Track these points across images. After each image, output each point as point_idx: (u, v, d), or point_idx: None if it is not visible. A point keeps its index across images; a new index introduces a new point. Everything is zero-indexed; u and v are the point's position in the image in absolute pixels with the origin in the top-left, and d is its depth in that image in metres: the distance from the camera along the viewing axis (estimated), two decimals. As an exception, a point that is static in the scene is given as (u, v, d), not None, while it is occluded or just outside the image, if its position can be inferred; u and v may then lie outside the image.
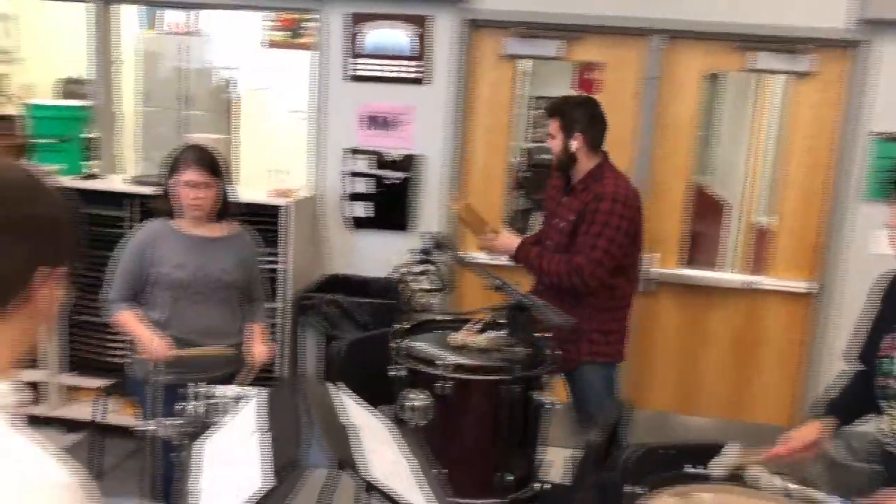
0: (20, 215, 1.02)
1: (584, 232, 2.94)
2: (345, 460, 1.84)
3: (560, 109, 3.05)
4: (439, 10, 3.88)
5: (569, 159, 3.03)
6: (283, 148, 5.86)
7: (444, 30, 3.90)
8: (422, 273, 2.41)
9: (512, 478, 2.57)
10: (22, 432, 0.96)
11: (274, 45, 6.34)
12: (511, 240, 3.15)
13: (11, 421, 0.97)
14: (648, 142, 3.91)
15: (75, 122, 4.13)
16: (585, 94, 3.28)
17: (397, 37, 3.95)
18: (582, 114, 3.02)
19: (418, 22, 3.91)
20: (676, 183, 3.98)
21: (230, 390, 2.39)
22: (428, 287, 2.43)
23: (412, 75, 3.96)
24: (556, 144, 3.05)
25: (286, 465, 1.74)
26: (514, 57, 3.97)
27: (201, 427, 2.27)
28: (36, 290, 1.04)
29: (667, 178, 3.96)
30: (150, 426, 2.32)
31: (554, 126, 3.04)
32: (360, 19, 3.94)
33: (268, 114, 6.28)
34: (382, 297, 3.80)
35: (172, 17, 6.26)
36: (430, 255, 2.54)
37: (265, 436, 1.82)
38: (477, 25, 3.92)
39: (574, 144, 3.01)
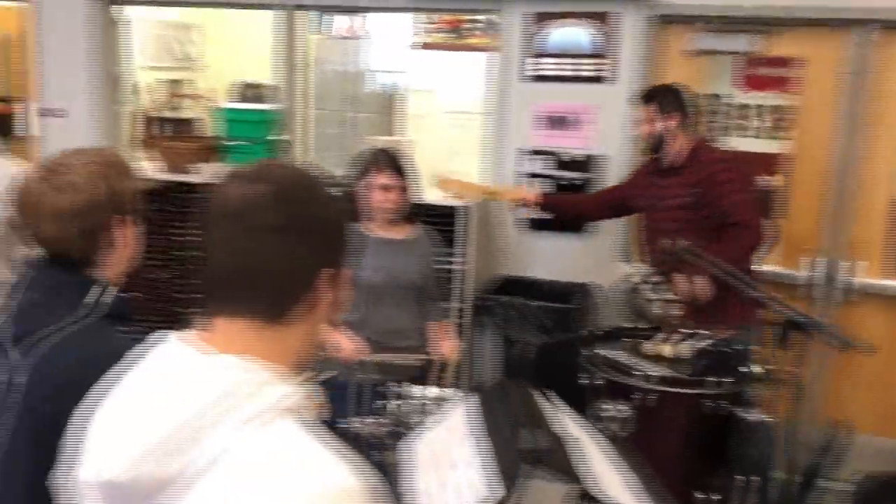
0: (305, 216, 1.02)
1: (719, 203, 3.08)
2: (562, 471, 1.77)
3: (655, 95, 3.30)
4: (625, 6, 3.75)
5: (661, 140, 3.25)
6: (448, 149, 5.88)
7: (629, 26, 3.77)
8: (661, 283, 2.31)
9: (718, 498, 2.43)
10: (312, 434, 0.95)
11: (434, 46, 6.38)
12: (703, 282, 2.97)
13: (302, 423, 0.96)
14: (851, 143, 3.62)
15: (263, 125, 4.30)
16: (674, 83, 3.43)
17: (577, 35, 3.86)
18: (674, 98, 3.26)
19: (601, 19, 3.80)
20: (882, 186, 3.66)
21: (430, 391, 2.39)
22: (670, 298, 2.32)
23: (592, 74, 3.86)
24: (650, 128, 3.27)
25: (508, 471, 1.70)
26: (702, 53, 3.78)
27: (403, 427, 2.27)
28: (320, 291, 1.03)
29: (871, 181, 3.65)
30: (353, 424, 2.34)
31: (649, 111, 3.26)
32: (542, 18, 3.87)
33: (432, 115, 6.32)
34: (559, 300, 3.72)
35: (340, 22, 6.42)
36: (667, 265, 2.44)
37: (485, 441, 1.78)
38: (665, 21, 3.76)
39: (672, 124, 3.23)
